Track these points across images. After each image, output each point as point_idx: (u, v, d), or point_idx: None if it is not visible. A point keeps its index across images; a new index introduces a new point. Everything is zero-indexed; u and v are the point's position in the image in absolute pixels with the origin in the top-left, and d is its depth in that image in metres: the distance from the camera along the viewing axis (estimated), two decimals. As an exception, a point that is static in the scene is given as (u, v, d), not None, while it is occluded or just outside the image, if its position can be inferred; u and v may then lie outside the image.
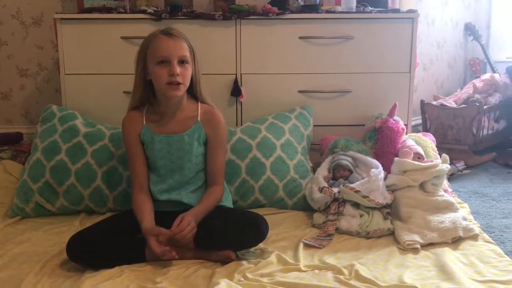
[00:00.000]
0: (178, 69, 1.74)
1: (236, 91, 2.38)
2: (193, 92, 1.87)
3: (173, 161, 1.83)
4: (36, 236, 1.91)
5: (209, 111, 1.88)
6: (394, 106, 2.28)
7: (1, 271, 1.65)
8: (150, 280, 1.55)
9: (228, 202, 1.94)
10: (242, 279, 1.56)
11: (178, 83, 1.75)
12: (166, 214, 1.77)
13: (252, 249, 1.74)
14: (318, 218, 1.98)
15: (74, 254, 1.64)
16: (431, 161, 2.08)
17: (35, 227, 1.99)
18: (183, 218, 1.67)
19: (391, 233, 1.89)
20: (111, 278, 1.54)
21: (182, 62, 1.77)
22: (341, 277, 1.56)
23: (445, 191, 2.10)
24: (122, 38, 2.35)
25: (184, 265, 1.66)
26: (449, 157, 2.12)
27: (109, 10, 2.39)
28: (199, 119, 1.85)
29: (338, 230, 1.91)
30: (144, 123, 1.85)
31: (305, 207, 2.10)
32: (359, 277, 1.56)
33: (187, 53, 1.78)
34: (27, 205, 2.06)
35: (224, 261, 1.67)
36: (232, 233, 1.69)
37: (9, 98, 2.80)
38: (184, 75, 1.77)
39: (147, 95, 1.85)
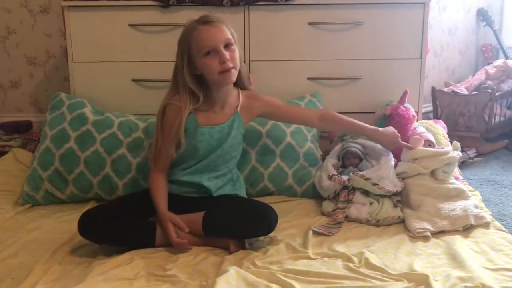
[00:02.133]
0: (226, 55, 1.71)
1: (244, 79, 2.36)
2: (238, 81, 1.84)
3: (219, 151, 1.83)
4: (46, 223, 1.93)
5: (248, 95, 1.90)
6: (405, 93, 2.25)
7: (12, 258, 1.66)
8: (160, 267, 1.56)
9: (242, 192, 1.94)
10: (251, 266, 1.56)
11: (230, 69, 1.72)
12: (183, 199, 1.77)
13: (262, 238, 1.74)
14: (328, 206, 1.97)
15: (85, 229, 1.65)
16: (442, 148, 2.05)
17: (45, 215, 2.00)
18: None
19: (401, 221, 1.87)
20: (121, 265, 1.55)
21: (227, 46, 1.72)
22: (351, 265, 1.56)
23: (456, 178, 2.08)
24: (130, 25, 2.33)
25: (194, 252, 1.66)
26: (461, 145, 2.10)
27: (117, -3, 2.37)
28: (239, 108, 1.85)
29: (348, 218, 1.90)
30: (192, 111, 1.79)
31: (314, 195, 2.09)
32: (369, 265, 1.55)
33: (230, 36, 1.74)
34: (37, 193, 2.07)
35: (233, 248, 1.67)
36: (241, 223, 1.69)
37: (18, 86, 2.81)
38: (233, 58, 1.74)
39: (193, 93, 1.78)
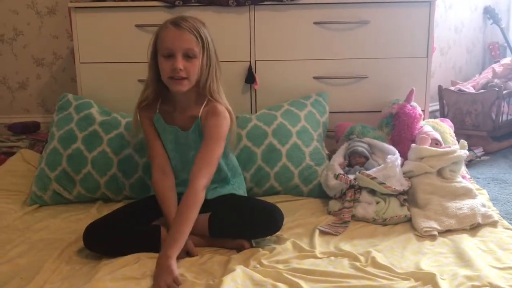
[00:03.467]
0: (181, 64, 1.66)
1: (250, 78, 2.37)
2: (203, 88, 1.74)
3: (182, 156, 1.82)
4: (54, 223, 1.94)
5: (212, 105, 1.74)
6: (411, 92, 2.25)
7: (20, 257, 1.67)
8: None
9: (242, 191, 1.93)
10: (258, 265, 1.56)
11: (182, 78, 1.68)
12: None
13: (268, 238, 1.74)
14: (334, 205, 1.97)
15: (90, 243, 1.65)
16: (449, 147, 2.05)
17: (53, 215, 2.02)
18: None
19: (408, 220, 1.87)
20: (128, 265, 1.55)
21: (188, 56, 1.68)
22: (358, 264, 1.55)
23: (463, 177, 2.07)
24: (137, 26, 2.34)
25: (199, 252, 1.66)
26: (468, 144, 2.09)
27: (123, -2, 2.38)
28: (200, 114, 1.76)
29: (354, 217, 1.90)
30: (158, 110, 1.82)
31: (321, 194, 2.09)
32: (376, 264, 1.55)
33: (194, 47, 1.67)
34: (45, 193, 2.09)
35: (239, 249, 1.67)
36: (247, 224, 1.69)
37: (25, 87, 2.83)
38: (189, 70, 1.68)
39: (161, 89, 1.78)
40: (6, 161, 2.40)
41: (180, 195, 1.77)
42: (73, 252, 1.70)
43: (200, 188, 1.61)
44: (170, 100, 1.81)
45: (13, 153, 2.49)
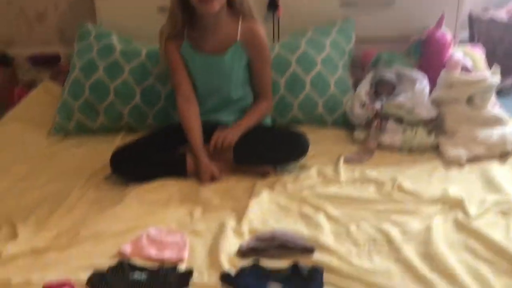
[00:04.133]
0: None
1: (273, 5, 2.28)
2: (235, 6, 1.72)
3: (212, 83, 1.79)
4: (79, 153, 1.96)
5: (250, 29, 1.74)
6: (442, 17, 2.14)
7: (48, 185, 1.71)
8: (193, 191, 1.58)
9: (267, 121, 1.92)
10: (283, 190, 1.56)
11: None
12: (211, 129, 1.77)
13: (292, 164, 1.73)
14: (360, 134, 1.94)
15: (117, 166, 1.67)
16: (480, 74, 1.97)
17: (78, 144, 2.03)
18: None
19: (435, 148, 1.84)
20: (154, 190, 1.57)
21: None
22: (383, 190, 1.55)
23: (493, 106, 2.01)
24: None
25: (225, 178, 1.67)
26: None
27: None
28: (238, 38, 1.74)
29: (381, 146, 1.87)
30: (185, 37, 1.77)
31: (346, 124, 2.05)
32: (402, 190, 1.54)
33: None
34: (69, 123, 2.09)
35: (264, 174, 1.67)
36: (273, 149, 1.68)
37: (44, 18, 2.77)
38: None
39: (188, 15, 1.73)
40: (28, 93, 2.40)
41: (205, 124, 1.76)
42: (99, 179, 1.72)
43: (272, 105, 1.87)
44: (198, 25, 1.75)
45: (34, 85, 2.49)
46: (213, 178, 1.65)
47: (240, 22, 1.74)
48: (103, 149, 1.96)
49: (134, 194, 1.54)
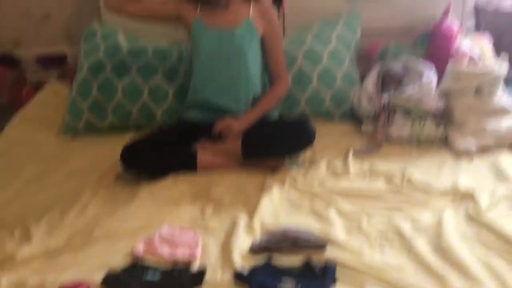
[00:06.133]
0: None
1: (277, 0, 2.27)
2: None
3: (222, 58, 1.80)
4: (90, 153, 1.97)
5: (260, 7, 1.84)
6: (448, 8, 2.13)
7: (60, 185, 1.72)
8: (204, 188, 1.59)
9: (274, 114, 1.92)
10: (293, 185, 1.57)
11: None
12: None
13: (301, 157, 1.73)
14: (368, 127, 1.94)
15: (128, 159, 1.68)
16: (488, 65, 1.96)
17: (88, 144, 2.05)
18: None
19: (444, 140, 1.84)
20: (166, 187, 1.58)
21: None
22: (393, 183, 1.55)
23: (502, 95, 2.00)
24: None
25: (235, 174, 1.68)
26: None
27: None
28: (250, 15, 1.80)
29: (389, 139, 1.87)
30: (198, 15, 1.82)
31: (353, 118, 2.06)
32: (412, 183, 1.55)
33: None
34: (78, 123, 2.10)
35: (273, 169, 1.68)
36: (280, 139, 1.68)
37: (50, 18, 2.77)
38: None
39: None
40: (37, 94, 2.41)
41: (219, 111, 1.79)
42: (111, 178, 1.73)
43: (289, 83, 1.91)
44: (212, 2, 1.81)
45: (41, 86, 2.50)
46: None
47: (251, 4, 1.83)
48: (113, 148, 1.96)
49: (146, 192, 1.55)
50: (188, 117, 1.88)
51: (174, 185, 1.59)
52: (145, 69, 2.09)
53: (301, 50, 2.10)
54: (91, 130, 2.12)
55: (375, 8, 2.29)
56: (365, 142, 1.86)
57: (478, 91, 1.92)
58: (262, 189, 1.54)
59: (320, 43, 2.12)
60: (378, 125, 1.89)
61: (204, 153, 1.71)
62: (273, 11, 1.89)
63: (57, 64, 2.70)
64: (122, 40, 2.17)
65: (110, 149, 1.96)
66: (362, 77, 2.15)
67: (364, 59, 2.28)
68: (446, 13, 2.13)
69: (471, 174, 1.60)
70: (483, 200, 1.41)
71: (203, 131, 1.79)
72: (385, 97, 1.94)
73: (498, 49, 2.75)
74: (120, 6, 1.83)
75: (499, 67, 1.93)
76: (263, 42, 1.85)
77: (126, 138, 2.04)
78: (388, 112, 1.91)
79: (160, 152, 1.69)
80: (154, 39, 2.20)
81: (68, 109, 2.12)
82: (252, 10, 1.81)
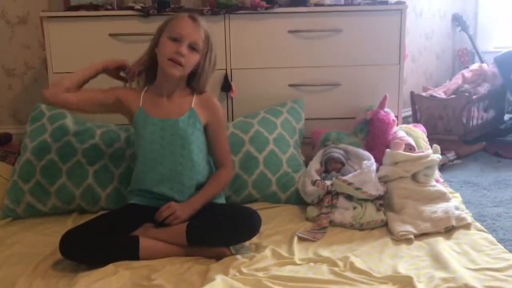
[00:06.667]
0: (185, 50, 1.75)
1: (226, 87, 2.38)
2: (193, 84, 1.86)
3: (165, 146, 1.81)
4: (28, 237, 1.90)
5: (203, 97, 1.88)
6: (385, 98, 2.29)
7: (-5, 272, 1.63)
8: (145, 277, 1.55)
9: (221, 199, 1.94)
10: (237, 274, 1.55)
11: (180, 64, 1.76)
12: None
13: (247, 243, 1.74)
14: (312, 211, 1.99)
15: (67, 250, 1.62)
16: (423, 152, 2.09)
17: (27, 228, 1.97)
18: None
19: (385, 225, 1.90)
20: (106, 277, 1.53)
21: (192, 48, 1.78)
22: (336, 269, 1.57)
23: (437, 181, 2.11)
24: (110, 35, 2.33)
25: (178, 262, 1.65)
26: (440, 148, 2.13)
27: (96, 7, 2.37)
28: (193, 105, 1.85)
29: (332, 223, 1.91)
30: (141, 104, 1.85)
31: (298, 201, 2.10)
32: (354, 269, 1.57)
33: (201, 42, 1.79)
34: (18, 206, 2.04)
35: (218, 257, 1.67)
36: (225, 229, 1.69)
37: (-3, 99, 2.77)
38: (189, 60, 1.78)
39: (149, 70, 1.87)
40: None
41: (164, 199, 1.78)
42: (48, 265, 1.66)
43: (232, 172, 1.96)
44: (155, 87, 1.87)
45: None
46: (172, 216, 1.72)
47: (194, 95, 1.88)
48: (53, 232, 1.91)
49: (84, 282, 1.49)
50: (132, 202, 1.86)
51: (114, 275, 1.54)
52: (92, 151, 2.08)
53: (248, 135, 2.17)
54: (32, 213, 2.06)
55: (318, 97, 2.43)
56: (309, 227, 1.89)
57: (414, 177, 2.03)
58: (204, 278, 1.52)
59: (266, 128, 2.20)
60: (321, 210, 1.93)
61: (147, 240, 1.68)
62: (216, 101, 1.93)
63: (1, 143, 2.66)
64: (69, 123, 2.17)
65: (50, 233, 1.91)
66: (307, 162, 2.23)
67: (308, 145, 2.38)
68: (382, 102, 2.28)
69: (410, 260, 1.63)
70: (421, 286, 1.44)
71: (147, 215, 1.77)
72: (328, 182, 2.00)
73: (434, 135, 2.95)
74: (58, 95, 1.81)
75: (434, 154, 2.05)
76: (206, 131, 1.89)
77: (68, 222, 2.00)
78: (331, 196, 1.97)
79: (100, 241, 1.64)
80: (102, 123, 2.21)
81: (7, 192, 2.06)
82: (194, 100, 1.87)
